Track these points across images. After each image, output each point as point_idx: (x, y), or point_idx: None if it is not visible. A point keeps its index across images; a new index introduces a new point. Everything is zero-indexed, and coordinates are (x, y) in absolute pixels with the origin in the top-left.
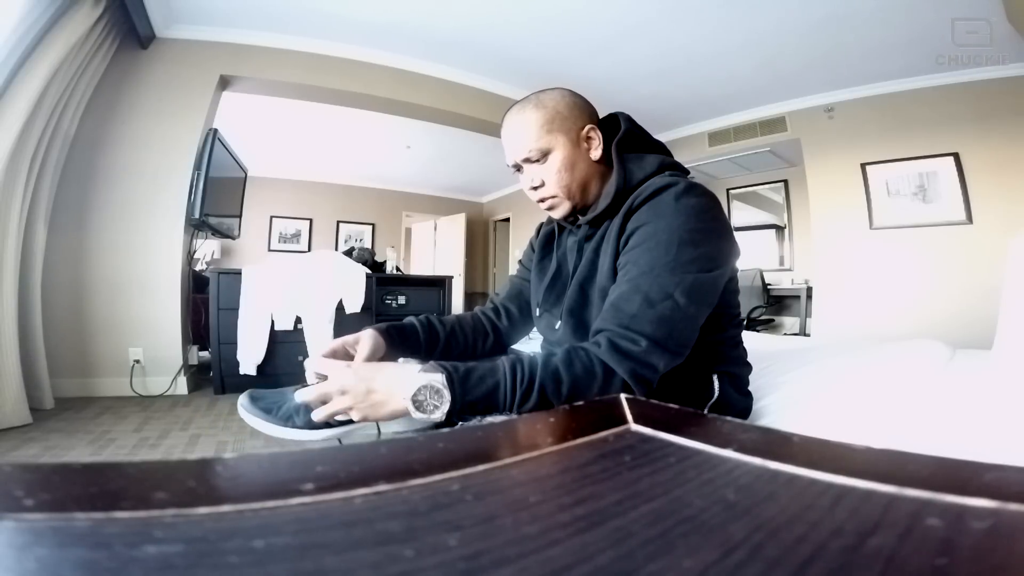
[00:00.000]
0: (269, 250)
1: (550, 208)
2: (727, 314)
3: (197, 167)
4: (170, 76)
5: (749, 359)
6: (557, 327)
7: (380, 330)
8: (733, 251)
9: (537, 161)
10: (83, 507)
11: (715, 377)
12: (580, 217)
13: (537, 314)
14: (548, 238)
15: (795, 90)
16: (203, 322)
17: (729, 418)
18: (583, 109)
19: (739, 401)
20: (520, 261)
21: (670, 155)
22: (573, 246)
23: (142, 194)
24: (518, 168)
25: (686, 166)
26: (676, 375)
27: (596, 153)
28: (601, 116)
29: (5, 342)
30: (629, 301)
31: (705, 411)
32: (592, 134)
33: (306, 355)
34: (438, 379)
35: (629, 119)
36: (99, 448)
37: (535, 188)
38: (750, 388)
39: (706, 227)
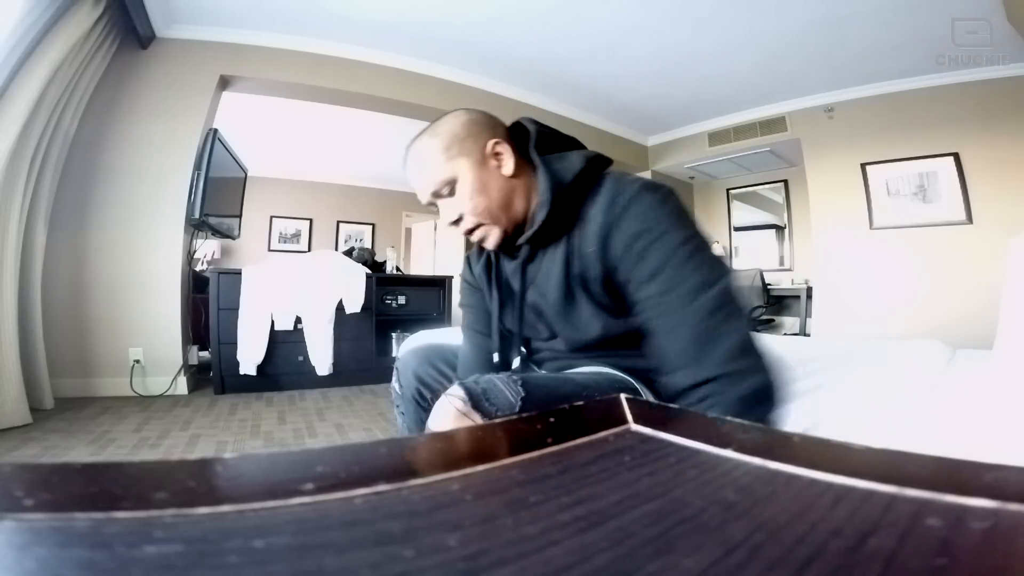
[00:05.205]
0: (269, 250)
1: (481, 240)
2: None
3: (197, 167)
4: (170, 76)
5: None
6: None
7: None
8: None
9: (448, 195)
10: (83, 507)
11: None
12: (516, 242)
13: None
14: (486, 267)
15: (795, 90)
16: (203, 322)
17: (729, 418)
18: (483, 125)
19: None
20: (465, 304)
21: (583, 147)
22: (516, 270)
23: (142, 194)
24: (434, 205)
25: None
26: None
27: (508, 168)
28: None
29: (5, 342)
30: (706, 342)
31: None
32: (499, 148)
33: (306, 355)
34: None
35: (535, 121)
36: (99, 448)
37: (455, 223)
38: None
39: (698, 226)
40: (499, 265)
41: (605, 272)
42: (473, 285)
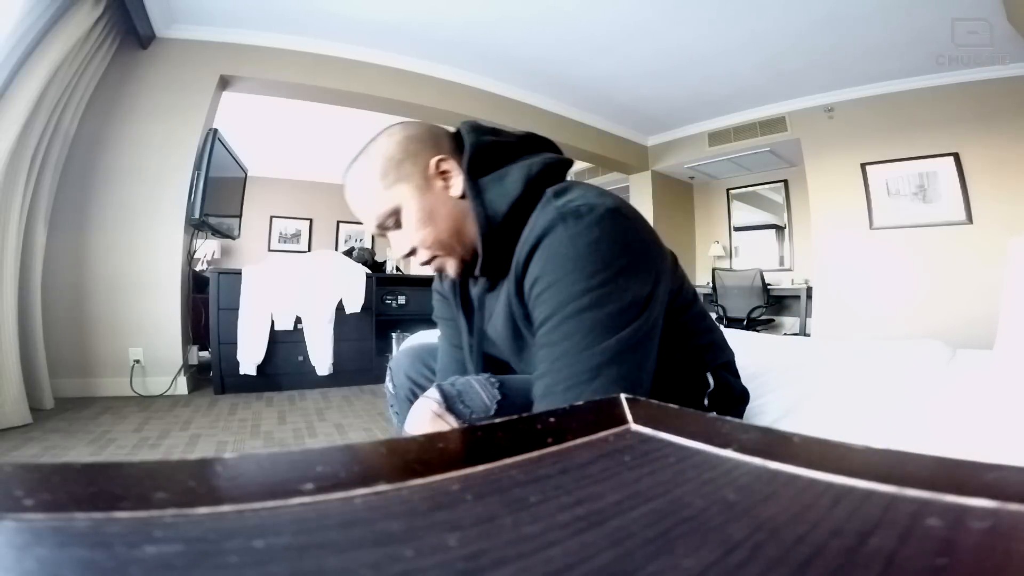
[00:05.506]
0: (269, 250)
1: (440, 270)
2: (692, 324)
3: (197, 167)
4: (170, 76)
5: (742, 353)
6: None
7: None
8: (660, 272)
9: (395, 227)
10: (83, 507)
11: (708, 373)
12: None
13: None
14: (452, 286)
15: (795, 90)
16: (203, 322)
17: (729, 418)
18: (423, 140)
19: (736, 384)
20: (439, 316)
21: (541, 146)
22: (477, 298)
23: (142, 194)
24: (384, 236)
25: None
26: (670, 382)
27: (457, 188)
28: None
29: (5, 342)
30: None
31: (705, 400)
32: (445, 166)
33: (306, 355)
34: None
35: (474, 128)
36: (99, 448)
37: (411, 255)
38: (749, 386)
39: (618, 267)
40: (466, 285)
41: (525, 312)
42: (444, 296)
